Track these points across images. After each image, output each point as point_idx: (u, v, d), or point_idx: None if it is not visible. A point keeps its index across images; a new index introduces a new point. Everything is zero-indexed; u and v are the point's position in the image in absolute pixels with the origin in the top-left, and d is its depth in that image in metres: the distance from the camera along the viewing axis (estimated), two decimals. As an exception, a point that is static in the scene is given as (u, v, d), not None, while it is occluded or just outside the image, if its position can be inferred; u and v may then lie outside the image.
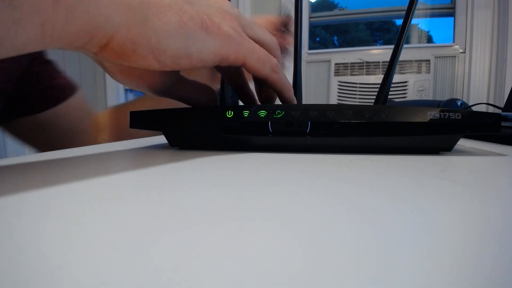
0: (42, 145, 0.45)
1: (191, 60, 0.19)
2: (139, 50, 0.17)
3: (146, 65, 0.18)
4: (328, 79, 1.64)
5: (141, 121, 0.25)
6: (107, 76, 1.92)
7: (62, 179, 0.14)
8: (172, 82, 0.23)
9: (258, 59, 0.22)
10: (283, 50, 0.47)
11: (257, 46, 0.22)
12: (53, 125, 0.43)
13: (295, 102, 0.26)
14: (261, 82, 0.27)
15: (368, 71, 1.54)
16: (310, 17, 1.72)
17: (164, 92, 0.23)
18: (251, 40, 0.22)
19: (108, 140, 0.46)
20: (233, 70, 0.26)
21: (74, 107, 0.44)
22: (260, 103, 0.28)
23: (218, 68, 0.26)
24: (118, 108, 0.51)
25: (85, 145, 0.40)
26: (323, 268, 0.06)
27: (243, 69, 0.24)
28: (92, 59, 0.20)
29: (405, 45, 0.41)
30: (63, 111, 0.43)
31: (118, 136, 0.46)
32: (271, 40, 0.24)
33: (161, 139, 0.35)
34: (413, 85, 1.48)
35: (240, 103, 0.27)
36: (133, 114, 0.26)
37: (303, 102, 0.29)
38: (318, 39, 1.87)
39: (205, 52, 0.19)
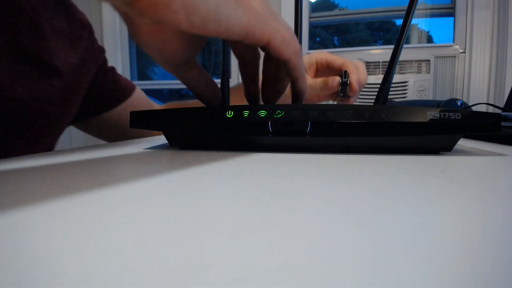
0: (113, 140, 0.52)
1: (219, 27, 0.19)
2: (173, 4, 0.18)
3: (176, 22, 0.18)
4: (328, 79, 1.64)
5: (141, 121, 0.25)
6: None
7: (62, 184, 0.14)
8: (191, 59, 0.24)
9: (283, 39, 0.22)
10: None
11: (282, 27, 0.22)
12: (120, 122, 0.49)
13: (306, 95, 0.26)
14: (269, 78, 0.27)
15: (368, 71, 1.54)
16: (310, 17, 1.72)
17: (179, 69, 0.24)
18: (277, 20, 0.22)
19: None
20: (251, 56, 0.26)
21: (135, 104, 0.51)
22: (262, 101, 0.28)
23: (237, 51, 0.26)
24: (178, 104, 0.57)
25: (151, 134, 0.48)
26: (323, 268, 0.06)
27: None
28: (122, 17, 0.20)
29: (405, 45, 0.41)
30: (126, 108, 0.49)
31: None
32: (293, 34, 0.24)
33: (161, 139, 0.35)
34: (413, 85, 1.48)
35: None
36: (133, 114, 0.26)
37: (303, 102, 0.29)
38: (318, 39, 1.87)
39: (233, 22, 0.19)
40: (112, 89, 0.48)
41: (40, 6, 0.35)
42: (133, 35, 0.21)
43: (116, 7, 0.20)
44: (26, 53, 0.33)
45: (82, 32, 0.42)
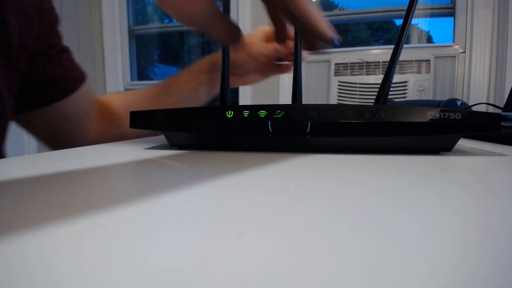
0: (51, 136, 0.44)
1: None
2: None
3: None
4: (328, 79, 1.64)
5: (141, 121, 0.25)
6: (107, 71, 1.88)
7: (65, 184, 0.14)
8: (210, 13, 0.21)
9: None
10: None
11: None
12: (63, 115, 0.42)
13: (329, 36, 0.22)
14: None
15: (368, 71, 1.54)
16: (310, 17, 1.72)
17: (198, 22, 0.22)
18: None
19: (102, 126, 0.46)
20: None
21: (82, 96, 0.43)
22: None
23: None
24: (122, 95, 0.50)
25: (87, 131, 0.43)
26: (322, 269, 0.06)
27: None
28: None
29: (405, 45, 0.41)
30: (72, 101, 0.42)
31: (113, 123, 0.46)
32: None
33: (161, 139, 0.35)
34: (413, 85, 1.48)
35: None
36: (134, 114, 0.26)
37: (303, 102, 0.29)
38: (318, 39, 1.87)
39: None
40: (63, 77, 0.41)
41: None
42: None
43: None
44: None
45: None
